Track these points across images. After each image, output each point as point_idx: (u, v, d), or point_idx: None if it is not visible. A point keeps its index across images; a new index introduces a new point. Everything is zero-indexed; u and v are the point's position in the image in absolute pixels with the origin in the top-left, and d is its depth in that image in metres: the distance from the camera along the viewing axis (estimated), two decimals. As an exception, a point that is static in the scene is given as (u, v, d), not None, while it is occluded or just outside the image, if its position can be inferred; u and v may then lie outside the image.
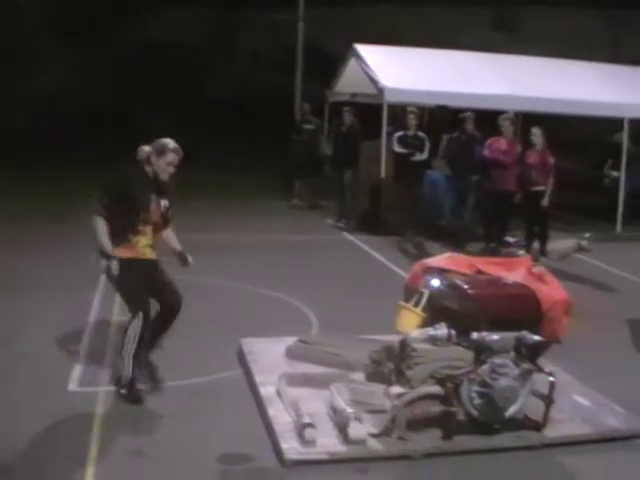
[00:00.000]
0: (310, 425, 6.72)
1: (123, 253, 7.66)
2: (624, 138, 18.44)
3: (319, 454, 6.55)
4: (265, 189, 22.73)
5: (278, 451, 6.63)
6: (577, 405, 7.65)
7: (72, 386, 8.15)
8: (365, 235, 16.85)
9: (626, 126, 18.27)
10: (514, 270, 7.22)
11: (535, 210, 14.81)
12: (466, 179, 16.13)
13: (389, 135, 16.97)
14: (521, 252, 15.00)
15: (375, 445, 6.67)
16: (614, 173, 19.65)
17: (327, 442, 6.68)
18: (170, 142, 7.90)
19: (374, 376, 7.62)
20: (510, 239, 16.12)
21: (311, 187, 20.53)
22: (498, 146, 15.34)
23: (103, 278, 11.94)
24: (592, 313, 10.37)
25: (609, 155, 20.39)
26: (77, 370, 8.52)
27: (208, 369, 8.52)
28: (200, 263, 13.34)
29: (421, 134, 16.32)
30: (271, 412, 7.16)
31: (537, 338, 6.83)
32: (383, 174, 17.16)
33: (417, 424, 6.82)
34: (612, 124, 21.09)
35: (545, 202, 14.53)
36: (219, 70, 40.30)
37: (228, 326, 9.90)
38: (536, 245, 15.15)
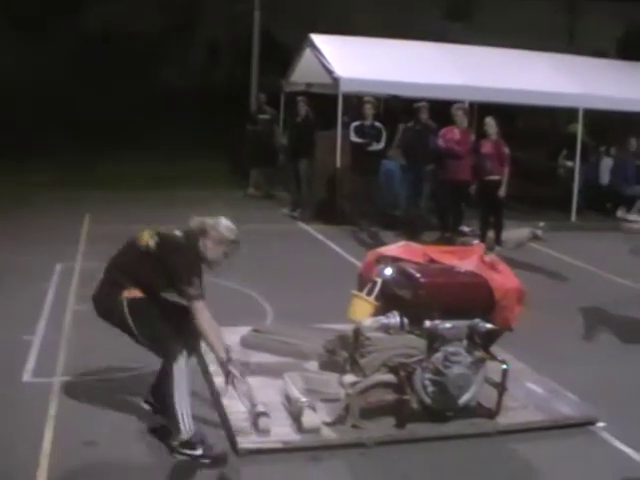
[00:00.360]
0: (264, 414, 6.71)
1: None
2: (579, 128, 18.50)
3: (273, 443, 6.54)
4: (221, 179, 22.67)
5: (232, 440, 6.61)
6: (530, 392, 7.71)
7: (26, 377, 8.07)
8: (320, 225, 16.82)
9: (581, 116, 18.33)
10: (466, 259, 7.24)
11: (490, 199, 14.85)
12: (421, 169, 16.18)
13: (345, 125, 16.98)
14: (476, 241, 15.06)
15: (329, 434, 6.68)
16: (569, 163, 19.78)
17: (281, 431, 6.67)
18: (232, 230, 6.90)
19: (328, 365, 7.64)
20: (465, 228, 16.20)
21: (267, 177, 20.52)
22: (452, 136, 15.39)
23: (58, 269, 12.06)
24: (545, 301, 10.49)
25: (564, 145, 20.53)
26: (31, 361, 8.44)
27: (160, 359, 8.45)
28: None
29: (378, 124, 16.40)
30: (225, 402, 7.12)
31: (489, 326, 6.86)
32: (339, 164, 17.14)
33: (371, 412, 6.83)
34: (568, 114, 21.31)
35: (502, 192, 14.57)
36: (175, 60, 40.21)
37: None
38: (491, 234, 15.22)
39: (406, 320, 6.85)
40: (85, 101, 34.20)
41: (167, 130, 29.79)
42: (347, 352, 7.48)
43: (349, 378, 6.94)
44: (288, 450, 6.52)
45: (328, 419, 6.79)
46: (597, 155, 20.35)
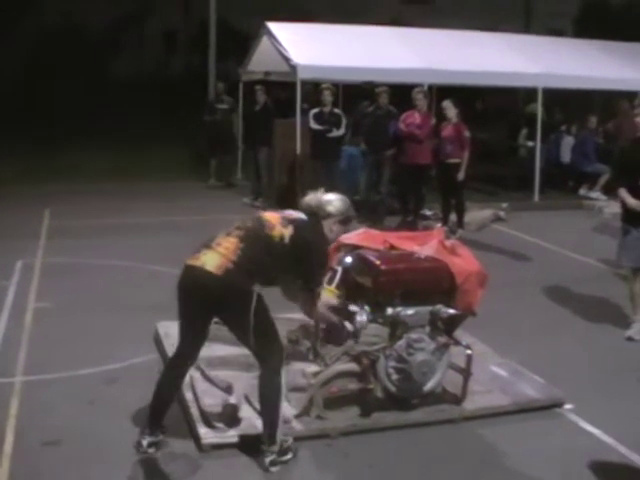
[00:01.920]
0: (234, 406, 6.65)
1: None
2: (538, 108, 18.48)
3: (236, 437, 6.43)
4: (182, 169, 22.54)
5: (195, 436, 6.51)
6: (495, 376, 7.66)
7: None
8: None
9: (540, 96, 18.29)
10: (427, 244, 7.14)
11: (450, 182, 14.82)
12: (381, 154, 16.11)
13: (304, 112, 16.85)
14: (438, 225, 15.05)
15: (295, 426, 6.59)
16: (529, 143, 19.82)
17: (247, 424, 6.56)
18: (349, 204, 6.52)
19: (292, 355, 7.51)
20: (427, 212, 16.22)
21: (227, 166, 20.35)
22: (412, 120, 15.28)
23: (19, 266, 11.90)
24: (508, 282, 10.47)
25: (524, 125, 20.55)
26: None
27: (123, 355, 8.37)
28: (112, 246, 13.44)
29: (337, 110, 16.42)
30: (188, 396, 7.01)
31: (452, 311, 6.79)
32: (299, 151, 16.95)
33: (335, 402, 6.75)
34: (527, 94, 21.33)
35: (460, 175, 14.56)
36: (131, 51, 39.89)
37: (144, 309, 9.73)
38: (453, 217, 15.19)
39: (367, 308, 6.76)
40: (43, 95, 33.90)
41: (126, 121, 29.58)
42: (310, 342, 7.45)
43: (312, 368, 6.86)
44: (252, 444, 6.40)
45: (294, 411, 6.69)
46: (558, 134, 20.29)
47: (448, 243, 7.16)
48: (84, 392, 7.54)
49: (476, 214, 15.67)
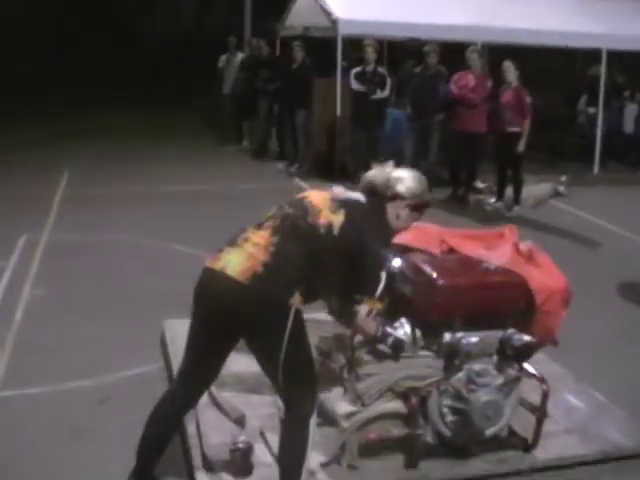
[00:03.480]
0: (245, 452, 5.25)
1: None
2: (602, 71, 16.89)
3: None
4: (212, 132, 21.29)
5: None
6: (570, 409, 6.20)
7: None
8: (319, 182, 15.32)
9: (604, 58, 16.70)
10: (496, 248, 5.67)
11: (508, 153, 13.41)
12: (430, 118, 14.72)
13: (345, 71, 15.60)
14: (492, 200, 13.85)
15: (322, 478, 5.18)
16: (590, 110, 18.28)
17: (263, 473, 5.16)
18: (426, 189, 4.98)
19: (323, 373, 6.04)
20: (480, 184, 14.95)
21: (261, 129, 18.94)
22: (466, 82, 13.91)
23: (21, 243, 10.59)
24: (574, 274, 8.80)
25: (584, 90, 19.00)
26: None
27: (122, 363, 7.02)
28: (130, 219, 12.12)
29: (381, 70, 15.12)
30: (190, 430, 5.64)
31: (527, 339, 5.31)
32: (339, 114, 15.78)
33: (373, 449, 5.33)
34: (585, 56, 19.81)
35: (521, 146, 13.16)
36: (164, 8, 38.44)
37: (154, 302, 8.36)
38: (509, 192, 13.83)
39: (418, 332, 5.29)
40: (71, 54, 32.73)
41: (157, 83, 28.29)
42: (345, 356, 5.88)
43: (344, 407, 5.39)
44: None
45: (321, 458, 5.29)
46: (621, 101, 18.73)
47: (524, 248, 5.66)
48: (67, 415, 6.19)
49: (534, 189, 14.33)
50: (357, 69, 14.88)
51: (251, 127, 19.13)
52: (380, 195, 4.82)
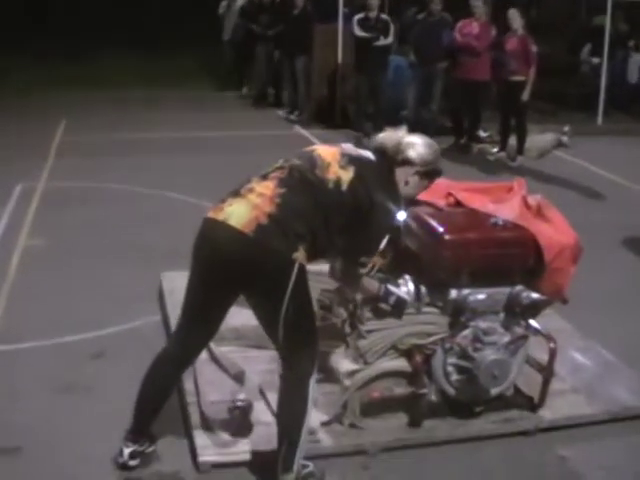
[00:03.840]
0: (244, 410, 5.13)
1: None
2: (607, 20, 16.58)
3: (246, 454, 4.90)
4: (212, 78, 20.97)
5: (192, 449, 4.99)
6: (578, 367, 6.05)
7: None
8: (320, 130, 15.19)
9: (609, 6, 16.37)
10: (504, 201, 5.49)
11: (512, 102, 13.10)
12: (433, 66, 14.39)
13: (347, 18, 15.29)
14: (495, 149, 13.72)
15: (323, 438, 5.04)
16: (594, 59, 17.96)
17: (263, 432, 5.00)
18: (438, 155, 4.84)
19: (324, 329, 5.86)
20: (482, 134, 14.68)
21: (261, 75, 18.66)
22: (470, 30, 13.57)
23: (17, 191, 10.40)
24: (580, 227, 8.63)
25: (588, 39, 18.67)
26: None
27: (119, 316, 6.87)
28: (130, 166, 11.91)
29: (384, 16, 14.73)
30: (188, 387, 5.50)
31: (536, 296, 5.15)
32: (340, 60, 15.61)
33: (375, 408, 5.19)
34: (589, 5, 19.48)
35: (525, 95, 12.84)
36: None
37: (154, 253, 8.21)
38: (512, 141, 13.56)
39: (423, 288, 5.12)
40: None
41: (155, 28, 27.85)
42: (347, 310, 5.70)
43: (347, 365, 5.23)
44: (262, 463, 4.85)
45: (322, 417, 5.15)
46: (625, 51, 18.41)
47: (533, 201, 5.47)
48: (61, 371, 6.05)
49: (537, 138, 14.05)
50: (360, 15, 14.46)
51: (251, 74, 18.84)
52: (390, 158, 4.65)
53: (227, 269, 4.34)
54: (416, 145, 4.68)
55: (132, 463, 4.80)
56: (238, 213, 4.30)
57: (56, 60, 21.96)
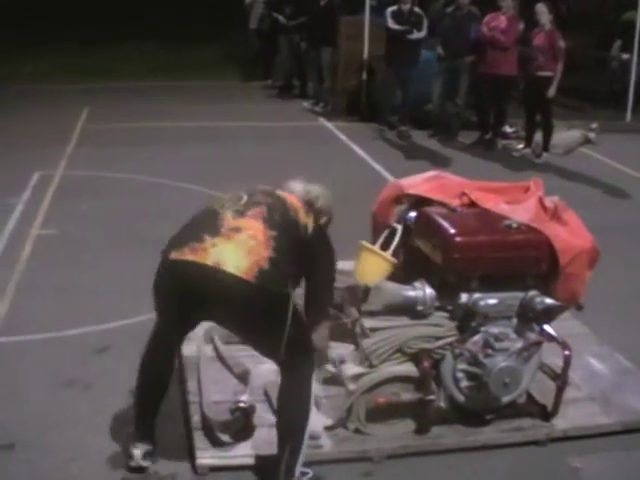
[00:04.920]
0: (246, 411, 5.01)
1: None
2: (638, 16, 16.29)
3: (246, 457, 4.76)
4: (236, 67, 20.82)
5: (191, 451, 4.85)
6: (593, 374, 5.86)
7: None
8: (344, 122, 15.04)
9: (640, 2, 16.10)
10: (520, 202, 5.32)
11: (538, 98, 12.88)
12: (460, 60, 14.12)
13: (374, 9, 15.24)
14: (520, 145, 13.52)
15: (325, 443, 4.89)
16: (624, 55, 17.65)
17: (265, 435, 4.85)
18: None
19: (335, 328, 5.68)
20: (508, 129, 14.44)
21: (286, 66, 18.52)
22: (497, 24, 13.34)
23: (35, 179, 10.31)
24: (603, 226, 8.34)
25: (618, 35, 18.37)
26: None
27: (126, 309, 6.72)
28: (149, 156, 11.81)
29: (417, 9, 14.42)
30: (191, 387, 5.36)
31: (550, 301, 4.97)
32: (366, 53, 15.44)
33: (381, 413, 5.02)
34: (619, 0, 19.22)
35: (552, 91, 12.62)
36: None
37: (159, 243, 8.02)
38: (538, 137, 13.34)
39: (433, 291, 4.96)
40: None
41: (181, 17, 27.69)
42: (358, 309, 5.52)
43: (352, 368, 5.06)
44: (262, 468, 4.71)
45: (326, 420, 5.00)
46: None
47: (550, 204, 5.28)
48: (64, 365, 5.94)
49: (564, 135, 13.85)
50: (393, 8, 14.17)
51: (277, 64, 18.72)
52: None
53: (222, 312, 4.40)
54: (321, 195, 4.93)
55: (145, 464, 4.68)
56: (234, 258, 4.25)
57: (77, 48, 21.87)
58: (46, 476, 4.71)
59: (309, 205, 4.74)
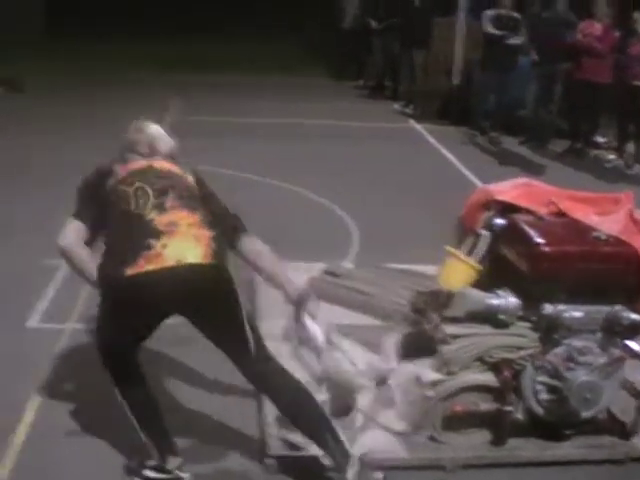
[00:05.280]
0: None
1: None
2: None
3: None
4: (326, 66, 20.81)
5: (261, 444, 4.82)
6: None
7: (32, 322, 6.50)
8: (434, 125, 14.93)
9: None
10: (609, 214, 5.19)
11: (633, 108, 12.65)
12: (554, 66, 13.93)
13: (469, 12, 15.17)
14: (612, 155, 13.34)
15: (397, 448, 4.81)
16: None
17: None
18: None
19: (413, 336, 5.58)
20: (600, 139, 14.20)
21: (378, 67, 18.47)
22: (592, 31, 13.15)
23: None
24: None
25: None
26: (43, 303, 6.84)
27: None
28: (229, 150, 11.84)
29: (516, 14, 14.29)
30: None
31: (636, 317, 4.83)
32: (460, 56, 15.40)
33: (457, 422, 4.94)
34: None
35: (646, 102, 12.36)
36: None
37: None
38: (630, 148, 13.12)
39: (516, 300, 4.87)
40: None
41: (270, 14, 27.77)
42: (440, 315, 5.42)
43: (430, 374, 4.98)
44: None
45: (400, 426, 4.92)
46: None
47: (640, 216, 5.17)
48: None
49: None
50: (491, 12, 14.10)
51: (369, 64, 18.69)
52: None
53: (203, 306, 4.30)
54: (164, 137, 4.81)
55: (185, 475, 4.56)
56: (189, 249, 4.22)
57: (161, 41, 22.13)
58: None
59: (173, 158, 4.71)
